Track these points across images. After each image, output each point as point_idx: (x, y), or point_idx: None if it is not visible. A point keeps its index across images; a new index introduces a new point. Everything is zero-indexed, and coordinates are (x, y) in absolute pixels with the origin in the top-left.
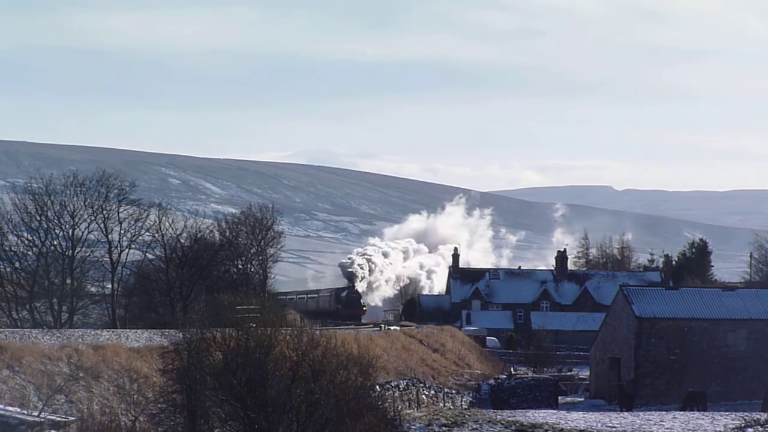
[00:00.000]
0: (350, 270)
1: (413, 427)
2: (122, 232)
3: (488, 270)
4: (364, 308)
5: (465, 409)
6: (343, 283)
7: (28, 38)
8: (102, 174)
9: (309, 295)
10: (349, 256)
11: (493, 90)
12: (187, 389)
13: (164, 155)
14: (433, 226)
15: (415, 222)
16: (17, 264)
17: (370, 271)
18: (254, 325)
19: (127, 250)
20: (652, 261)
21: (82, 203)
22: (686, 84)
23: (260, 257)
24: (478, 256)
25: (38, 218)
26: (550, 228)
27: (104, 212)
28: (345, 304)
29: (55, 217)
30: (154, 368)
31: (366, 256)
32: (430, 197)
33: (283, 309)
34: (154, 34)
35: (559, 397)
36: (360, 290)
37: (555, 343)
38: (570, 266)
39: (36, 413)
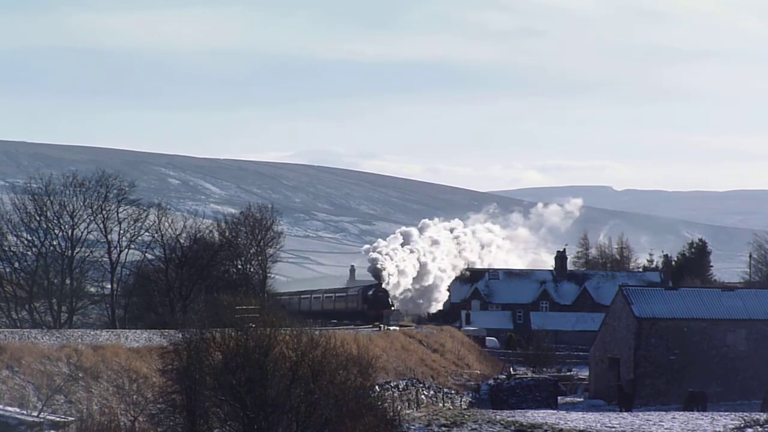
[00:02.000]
0: (377, 267)
1: (413, 427)
2: (122, 232)
3: (487, 270)
4: (392, 308)
5: (464, 409)
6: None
7: (28, 38)
8: (101, 174)
9: (337, 294)
10: (376, 251)
11: (493, 90)
12: (187, 389)
13: (164, 155)
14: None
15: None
16: (17, 264)
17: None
18: (253, 326)
19: (126, 250)
20: (651, 261)
21: (81, 203)
22: (686, 84)
23: (260, 257)
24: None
25: (37, 218)
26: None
27: (104, 212)
28: (371, 303)
29: (55, 218)
30: (154, 368)
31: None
32: (430, 197)
33: (289, 308)
34: (154, 34)
35: (559, 398)
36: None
37: (554, 343)
38: (569, 266)
39: (35, 413)
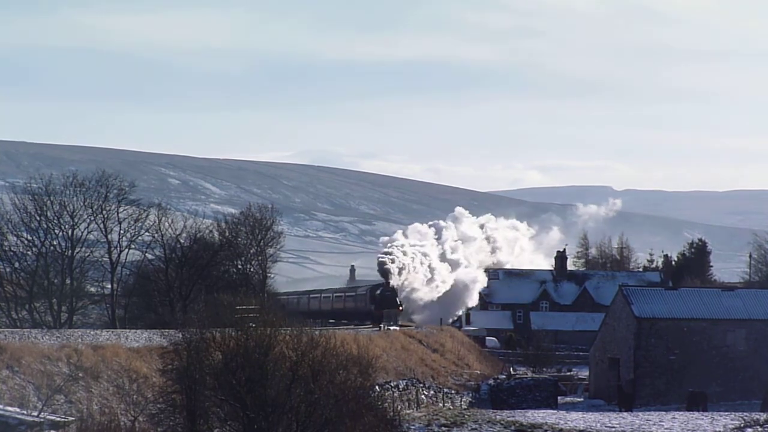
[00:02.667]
0: (385, 266)
1: (413, 427)
2: (122, 232)
3: (487, 270)
4: (401, 308)
5: (464, 409)
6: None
7: (28, 38)
8: (102, 174)
9: (346, 294)
10: (385, 249)
11: (493, 90)
12: (187, 389)
13: (164, 155)
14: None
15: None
16: (17, 264)
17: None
18: (254, 326)
19: (126, 250)
20: (651, 261)
21: (81, 203)
22: (686, 84)
23: (260, 257)
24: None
25: (38, 218)
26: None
27: (104, 212)
28: (378, 302)
29: (55, 217)
30: (154, 368)
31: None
32: (430, 197)
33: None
34: (154, 34)
35: (559, 398)
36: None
37: (554, 343)
38: (569, 266)
39: (35, 413)
